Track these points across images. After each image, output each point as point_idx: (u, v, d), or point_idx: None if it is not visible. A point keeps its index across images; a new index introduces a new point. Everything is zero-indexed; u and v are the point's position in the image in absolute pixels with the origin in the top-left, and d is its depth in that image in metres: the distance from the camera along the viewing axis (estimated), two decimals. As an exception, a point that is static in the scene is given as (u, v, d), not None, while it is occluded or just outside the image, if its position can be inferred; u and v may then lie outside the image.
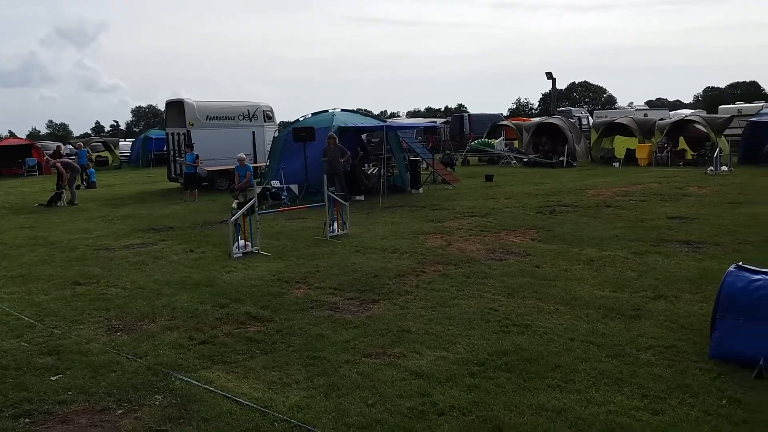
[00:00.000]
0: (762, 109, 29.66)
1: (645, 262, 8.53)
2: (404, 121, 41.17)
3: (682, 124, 26.03)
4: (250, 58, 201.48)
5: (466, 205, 14.86)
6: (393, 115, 70.54)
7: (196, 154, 18.63)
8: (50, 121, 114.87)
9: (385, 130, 17.39)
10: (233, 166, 16.78)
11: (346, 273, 8.48)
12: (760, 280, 5.27)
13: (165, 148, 23.95)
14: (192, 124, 20.84)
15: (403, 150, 19.37)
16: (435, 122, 36.98)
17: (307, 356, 5.54)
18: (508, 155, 28.11)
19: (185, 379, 5.15)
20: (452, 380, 4.94)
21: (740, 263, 5.60)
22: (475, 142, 30.82)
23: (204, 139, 20.23)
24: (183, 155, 19.86)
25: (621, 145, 26.45)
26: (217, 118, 21.52)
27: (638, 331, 5.88)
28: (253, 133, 22.00)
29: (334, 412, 4.47)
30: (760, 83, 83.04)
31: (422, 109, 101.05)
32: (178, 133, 21.33)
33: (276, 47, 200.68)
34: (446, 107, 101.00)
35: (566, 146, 26.24)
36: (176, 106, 21.63)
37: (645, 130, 25.99)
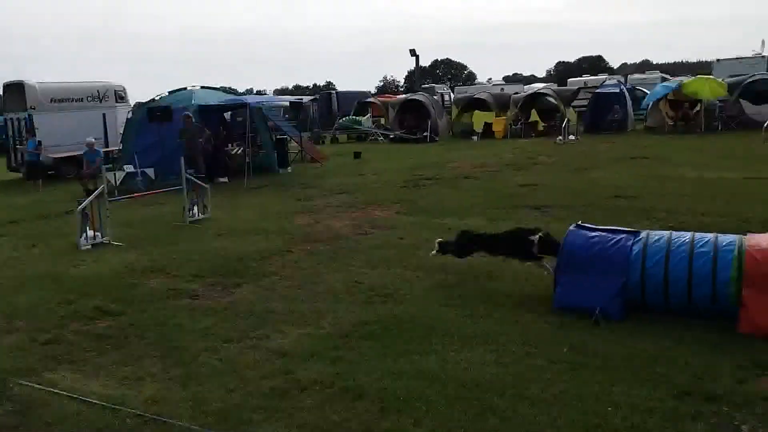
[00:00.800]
0: (605, 81, 32.30)
1: (499, 228, 8.98)
2: (270, 97, 40.30)
3: (535, 97, 27.72)
4: (103, 34, 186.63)
5: (334, 183, 14.88)
6: (259, 92, 68.73)
7: (39, 141, 17.44)
8: None
9: (249, 108, 16.89)
10: (82, 152, 15.82)
11: (207, 258, 8.17)
12: (596, 237, 5.76)
13: (4, 136, 21.96)
14: (34, 108, 19.33)
15: (270, 129, 18.94)
16: (301, 99, 36.53)
17: (163, 348, 5.28)
18: (375, 132, 28.49)
19: (26, 383, 4.72)
20: (316, 355, 4.95)
21: (580, 222, 6.08)
22: (344, 119, 30.92)
23: (48, 124, 18.92)
24: (24, 142, 18.47)
25: (479, 119, 27.65)
26: (62, 101, 20.10)
27: (491, 292, 6.21)
28: (104, 114, 20.70)
29: (191, 401, 4.31)
30: (604, 57, 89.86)
31: (290, 87, 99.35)
32: (19, 119, 19.82)
33: (132, 22, 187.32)
34: (315, 85, 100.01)
35: (429, 122, 27.04)
36: (16, 88, 20.00)
37: (501, 104, 27.39)
